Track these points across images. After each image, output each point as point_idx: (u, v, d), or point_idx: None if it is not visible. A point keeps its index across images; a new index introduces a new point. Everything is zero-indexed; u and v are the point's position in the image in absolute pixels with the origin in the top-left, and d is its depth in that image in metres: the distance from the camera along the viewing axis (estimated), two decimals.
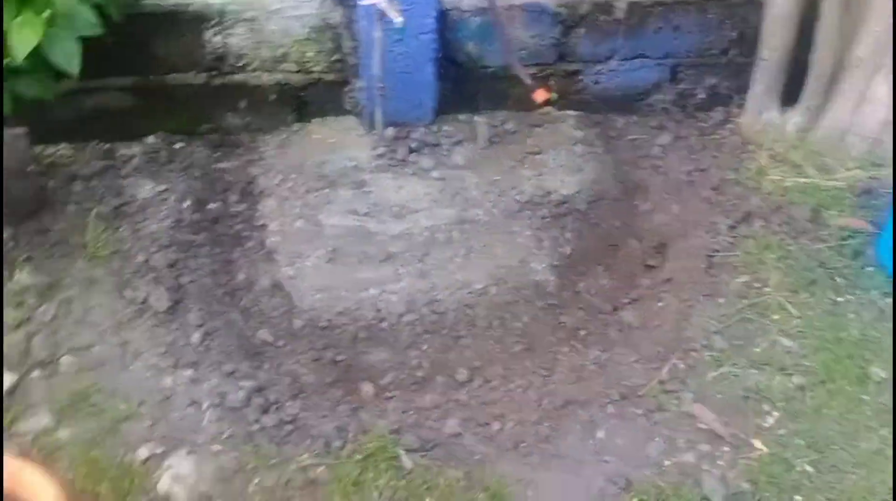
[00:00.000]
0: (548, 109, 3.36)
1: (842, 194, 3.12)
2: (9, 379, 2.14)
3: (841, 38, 3.15)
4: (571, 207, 2.99)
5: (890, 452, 2.25)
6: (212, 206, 2.86)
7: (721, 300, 2.69)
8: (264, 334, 2.48)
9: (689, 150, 3.32)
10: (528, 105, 3.26)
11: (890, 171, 3.14)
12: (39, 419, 2.06)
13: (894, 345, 2.53)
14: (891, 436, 2.29)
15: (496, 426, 2.24)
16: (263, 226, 2.81)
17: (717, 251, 2.87)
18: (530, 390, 2.38)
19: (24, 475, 1.33)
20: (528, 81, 3.09)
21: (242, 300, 2.58)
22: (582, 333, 2.63)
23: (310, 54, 3.02)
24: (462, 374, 2.43)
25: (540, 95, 3.11)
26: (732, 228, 2.96)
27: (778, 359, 2.49)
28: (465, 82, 3.19)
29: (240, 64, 2.98)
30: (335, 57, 3.04)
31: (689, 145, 3.34)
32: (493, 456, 2.16)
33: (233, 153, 3.06)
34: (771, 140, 3.33)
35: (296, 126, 3.12)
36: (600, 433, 2.26)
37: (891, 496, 2.16)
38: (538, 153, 3.12)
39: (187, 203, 2.79)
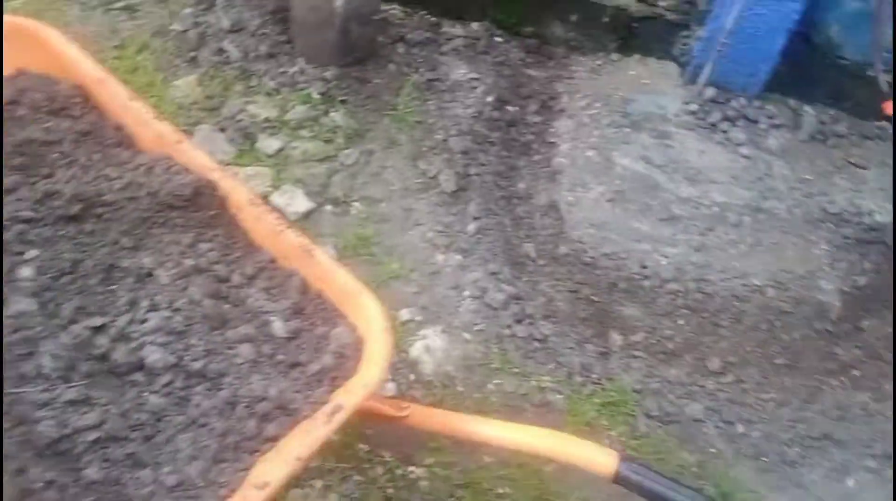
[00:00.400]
0: (888, 124, 2.99)
1: None
2: (305, 205, 2.25)
3: None
4: (880, 236, 2.66)
5: None
6: (510, 108, 2.83)
7: None
8: (529, 248, 2.45)
9: None
10: (868, 112, 2.90)
11: None
12: (326, 250, 2.15)
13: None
14: None
15: (740, 428, 2.09)
16: (554, 144, 2.74)
17: None
18: (786, 408, 2.18)
19: (362, 298, 1.35)
20: (885, 87, 2.73)
21: (517, 209, 2.55)
22: (855, 372, 2.36)
23: None
24: (714, 363, 2.28)
25: (889, 107, 2.75)
26: None
27: None
28: (809, 66, 2.89)
29: None
30: None
31: None
32: (730, 458, 2.02)
33: (544, 63, 2.99)
34: None
35: (615, 56, 2.99)
36: (850, 482, 2.04)
37: None
38: (862, 168, 2.79)
39: (490, 98, 2.77)
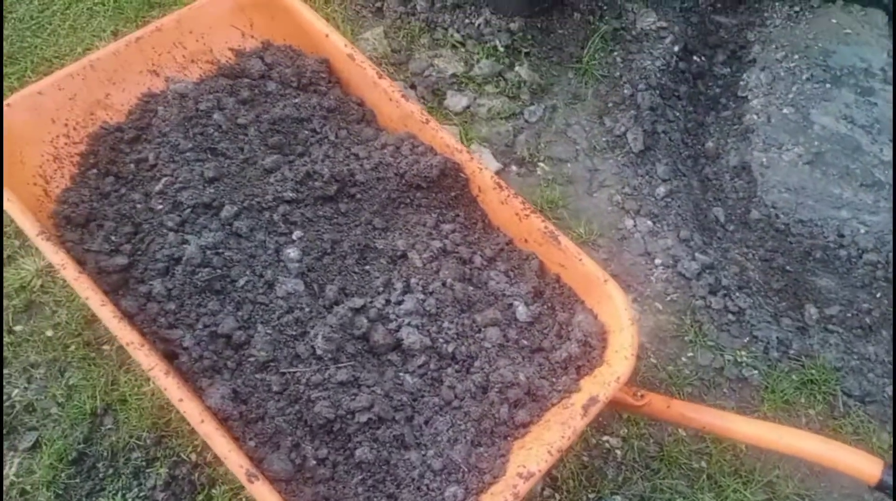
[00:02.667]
0: None
1: None
2: (494, 165, 2.26)
3: None
4: None
5: None
6: (697, 59, 2.69)
7: None
8: (719, 212, 2.37)
9: None
10: None
11: None
12: None
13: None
14: None
15: None
16: (745, 99, 2.60)
17: None
18: None
19: (607, 285, 1.35)
20: None
21: (705, 170, 2.47)
22: None
23: None
24: None
25: None
26: None
27: None
28: None
29: None
30: None
31: None
32: None
33: (735, 9, 2.80)
34: None
35: (815, 2, 2.76)
36: None
37: None
38: None
39: (678, 48, 2.63)
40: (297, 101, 1.56)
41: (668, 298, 2.09)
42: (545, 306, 1.42)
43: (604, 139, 2.38)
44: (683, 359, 1.99)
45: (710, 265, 2.15)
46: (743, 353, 2.00)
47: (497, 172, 2.26)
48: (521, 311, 1.39)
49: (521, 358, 1.35)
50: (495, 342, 1.35)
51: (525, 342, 1.37)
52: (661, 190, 2.30)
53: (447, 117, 2.34)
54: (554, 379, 1.32)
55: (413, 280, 1.38)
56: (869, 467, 1.28)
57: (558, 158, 2.32)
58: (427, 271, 1.41)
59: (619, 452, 1.81)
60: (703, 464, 1.81)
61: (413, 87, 2.38)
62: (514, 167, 2.29)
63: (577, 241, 2.16)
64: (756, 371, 1.98)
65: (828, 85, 2.56)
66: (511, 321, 1.39)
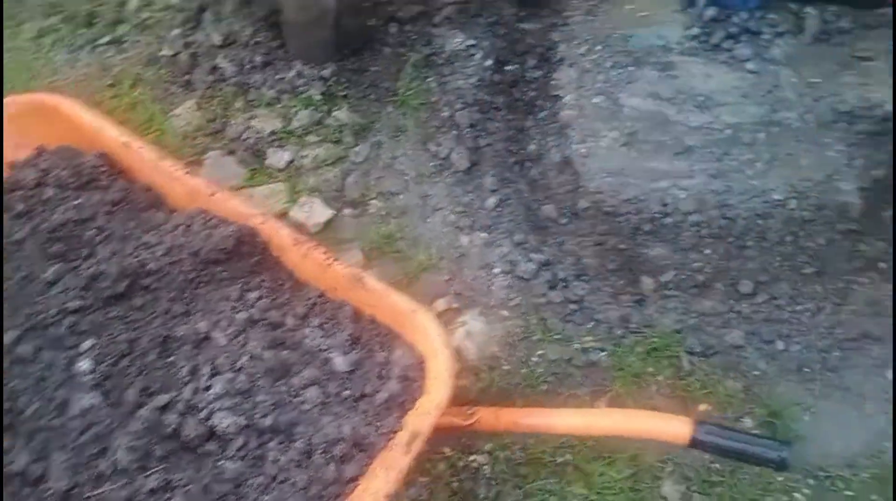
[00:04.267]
0: (889, 10, 2.89)
1: None
2: (325, 213, 2.30)
3: None
4: (892, 126, 2.63)
5: None
6: (510, 68, 2.80)
7: None
8: (550, 209, 2.47)
9: None
10: (869, 2, 2.82)
11: None
12: (353, 256, 2.21)
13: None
14: None
15: (780, 345, 2.13)
16: (558, 97, 2.72)
17: None
18: (820, 315, 2.22)
19: (417, 316, 1.39)
20: None
21: (532, 172, 2.57)
22: (882, 266, 2.38)
23: None
24: (746, 286, 2.31)
25: None
26: None
27: None
28: None
29: None
30: None
31: None
32: (774, 375, 2.08)
33: (538, 14, 2.93)
34: None
35: None
36: (891, 374, 2.09)
37: None
38: (869, 59, 2.72)
39: (489, 62, 2.74)
40: (77, 202, 1.55)
41: (512, 302, 2.17)
42: (364, 351, 1.45)
43: (430, 164, 2.45)
44: (535, 358, 2.07)
45: (546, 262, 2.25)
46: (589, 338, 2.10)
47: (329, 220, 2.31)
48: (339, 362, 1.42)
49: (345, 410, 1.36)
50: (316, 401, 1.36)
51: (347, 393, 1.39)
52: (491, 201, 2.39)
53: (271, 176, 2.37)
54: (379, 423, 1.34)
55: (220, 360, 1.38)
56: (679, 428, 1.34)
57: (389, 192, 2.39)
58: (234, 346, 1.42)
59: (487, 468, 1.86)
60: (569, 456, 1.88)
61: (231, 153, 2.41)
62: (347, 210, 2.34)
63: (420, 269, 2.23)
64: (603, 353, 2.08)
65: (631, 68, 2.70)
66: (330, 374, 1.41)
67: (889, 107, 2.62)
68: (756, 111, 2.60)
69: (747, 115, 2.59)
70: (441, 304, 2.15)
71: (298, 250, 1.53)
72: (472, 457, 1.87)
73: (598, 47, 2.74)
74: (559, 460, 1.86)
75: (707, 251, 2.41)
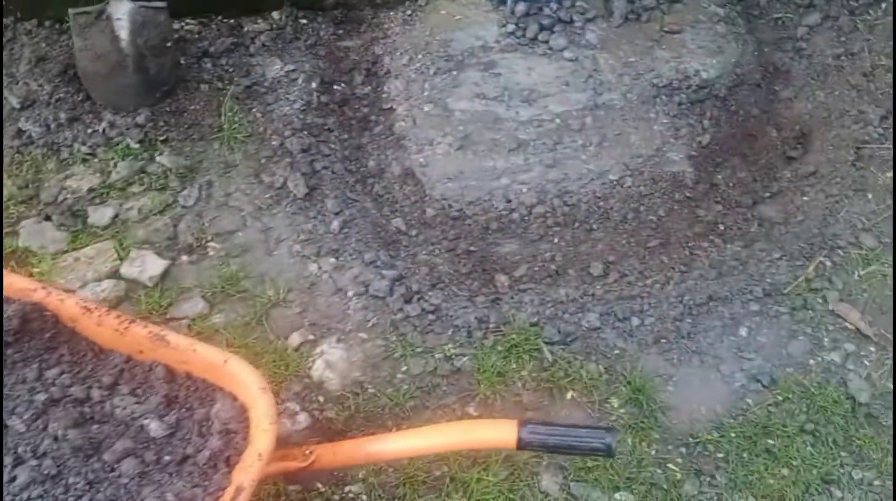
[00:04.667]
0: None
1: None
2: (159, 265, 2.14)
3: None
4: (711, 92, 2.73)
5: None
6: (338, 88, 2.73)
7: (870, 196, 2.46)
8: (398, 222, 2.41)
9: (838, 31, 2.95)
10: None
11: None
12: (194, 305, 2.06)
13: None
14: None
15: (635, 321, 2.15)
16: (391, 110, 2.68)
17: (867, 143, 2.60)
18: (669, 285, 2.26)
19: (229, 365, 1.31)
20: None
21: (375, 188, 2.50)
22: (721, 227, 2.46)
23: None
24: (597, 268, 2.33)
25: None
26: (884, 118, 2.66)
27: None
28: None
29: None
30: None
31: (838, 27, 2.96)
32: (633, 352, 2.09)
33: (357, 30, 2.88)
34: None
35: (421, 1, 2.90)
36: (743, 331, 2.15)
37: None
38: (677, 32, 2.83)
39: (314, 84, 2.66)
40: None
41: (370, 323, 2.09)
42: (183, 410, 1.34)
43: (267, 196, 2.34)
44: (399, 376, 2.00)
45: (399, 277, 2.18)
46: (450, 346, 2.05)
47: (165, 271, 2.15)
48: (155, 427, 1.30)
49: (168, 476, 1.25)
50: (134, 472, 1.24)
51: (168, 458, 1.28)
52: (336, 224, 2.30)
53: (95, 235, 2.18)
54: (207, 483, 1.25)
55: (21, 449, 1.24)
56: (505, 432, 1.32)
57: (227, 232, 2.25)
58: (34, 431, 1.27)
59: (364, 497, 1.77)
60: (445, 469, 1.82)
61: (48, 218, 2.21)
62: (184, 257, 2.19)
63: (269, 305, 2.10)
64: (465, 358, 2.03)
65: (454, 72, 2.69)
66: (147, 442, 1.29)
67: (705, 74, 2.74)
68: (580, 97, 2.65)
69: (573, 102, 2.64)
70: (296, 338, 2.04)
71: (91, 317, 1.40)
72: (347, 488, 1.77)
73: (420, 56, 2.72)
74: (436, 474, 1.79)
75: (556, 240, 2.42)
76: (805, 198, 2.49)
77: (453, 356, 2.03)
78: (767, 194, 2.56)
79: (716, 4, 2.95)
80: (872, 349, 2.14)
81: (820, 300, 2.22)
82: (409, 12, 2.88)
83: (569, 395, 2.00)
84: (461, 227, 2.42)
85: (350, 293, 2.13)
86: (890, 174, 2.52)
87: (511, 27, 2.79)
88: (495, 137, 2.54)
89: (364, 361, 2.01)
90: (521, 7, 2.80)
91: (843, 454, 1.95)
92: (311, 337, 2.04)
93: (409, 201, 2.47)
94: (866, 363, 2.12)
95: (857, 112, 2.70)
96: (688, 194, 2.53)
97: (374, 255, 2.24)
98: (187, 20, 2.76)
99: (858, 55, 2.88)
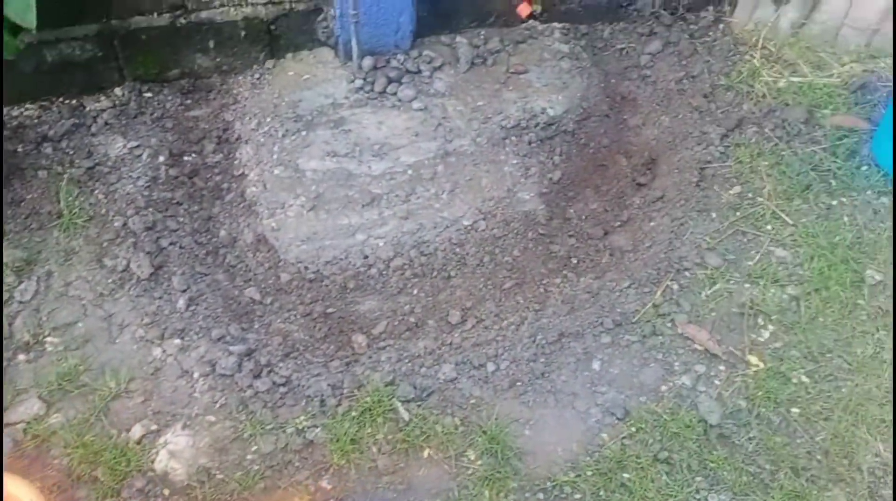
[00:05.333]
0: (532, 23, 3.06)
1: (837, 92, 2.85)
2: None
3: None
4: (559, 128, 2.75)
5: (887, 356, 2.14)
6: (188, 158, 2.64)
7: (714, 215, 2.50)
8: (252, 292, 2.33)
9: (679, 56, 3.03)
10: (511, 20, 2.97)
11: (886, 63, 2.88)
12: (29, 406, 1.93)
13: (894, 251, 2.37)
14: (889, 340, 2.17)
15: (491, 367, 2.11)
16: (242, 175, 2.60)
17: (709, 163, 2.65)
18: (523, 326, 2.24)
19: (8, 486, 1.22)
20: None
21: (227, 258, 2.41)
22: (573, 261, 2.46)
23: None
24: (454, 316, 2.29)
25: (523, 10, 2.81)
26: (724, 136, 2.72)
27: (772, 271, 2.32)
28: (441, 2, 2.88)
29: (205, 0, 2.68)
30: None
31: (678, 51, 3.04)
32: (490, 399, 2.05)
33: (205, 98, 2.81)
34: (764, 39, 3.03)
35: (269, 63, 2.85)
36: (595, 364, 2.13)
37: (889, 399, 2.06)
38: (523, 73, 2.85)
39: (162, 158, 2.57)
40: None
41: (217, 404, 1.99)
42: None
43: (109, 281, 2.22)
44: (250, 457, 1.90)
45: (247, 351, 2.09)
46: (301, 418, 1.96)
47: None
48: None
49: None
50: None
51: None
52: (182, 302, 2.20)
53: None
54: None
55: None
56: None
57: (66, 324, 2.13)
58: None
59: None
60: None
61: None
62: (20, 356, 2.06)
63: (109, 398, 1.98)
64: (318, 429, 1.95)
65: (304, 132, 2.63)
66: None
67: (552, 111, 2.75)
68: (431, 146, 2.63)
69: (424, 152, 2.61)
70: (138, 430, 1.92)
71: None
72: None
73: (268, 119, 2.66)
74: None
75: (415, 292, 2.38)
76: (652, 223, 2.51)
77: (305, 429, 1.95)
78: (618, 223, 2.57)
79: (560, 42, 2.99)
80: (722, 368, 2.15)
81: (669, 324, 2.22)
82: (257, 75, 2.82)
83: (425, 453, 1.94)
84: (318, 289, 2.35)
85: (196, 375, 2.03)
86: (732, 191, 2.57)
87: (359, 82, 2.76)
88: (349, 194, 2.50)
89: (211, 445, 1.91)
90: (367, 62, 2.78)
91: (697, 479, 1.93)
92: (155, 427, 1.93)
93: (262, 267, 2.39)
94: (716, 382, 2.12)
95: (699, 133, 2.75)
96: (541, 231, 2.52)
97: (223, 330, 2.15)
98: (27, 105, 2.65)
99: (699, 77, 2.95)
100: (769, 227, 2.45)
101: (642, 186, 2.70)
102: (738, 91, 2.87)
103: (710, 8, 3.18)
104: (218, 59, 2.81)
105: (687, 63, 3.01)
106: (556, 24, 3.04)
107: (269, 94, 2.76)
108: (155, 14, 2.69)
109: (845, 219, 2.47)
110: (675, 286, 2.30)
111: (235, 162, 2.65)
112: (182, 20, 2.68)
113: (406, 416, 1.99)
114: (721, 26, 3.14)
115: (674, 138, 2.79)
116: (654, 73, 3.01)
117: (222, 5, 2.67)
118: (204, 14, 2.69)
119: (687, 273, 2.34)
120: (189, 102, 2.78)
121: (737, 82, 2.89)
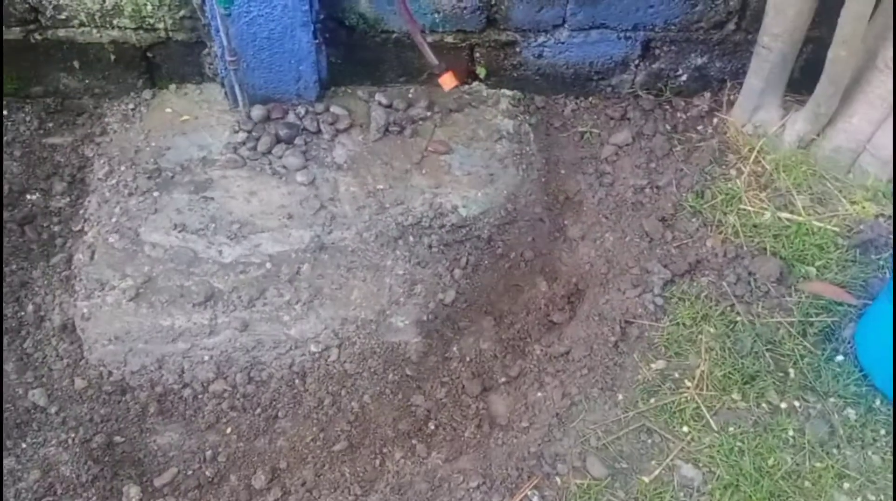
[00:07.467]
0: (478, 86, 2.34)
1: (833, 242, 2.09)
2: None
3: (872, 31, 1.97)
4: (471, 233, 2.07)
5: None
6: (31, 197, 2.09)
7: (620, 397, 1.84)
8: (37, 396, 1.80)
9: (648, 155, 2.28)
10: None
11: None
12: None
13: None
14: None
15: None
16: (81, 232, 2.04)
17: (638, 318, 1.97)
18: None
19: None
20: (434, 60, 2.07)
21: (25, 343, 1.88)
22: (431, 427, 1.85)
23: (149, 8, 2.05)
24: (260, 479, 1.74)
25: (447, 82, 2.09)
26: (668, 284, 2.03)
27: (668, 497, 1.69)
28: (361, 50, 2.19)
29: (61, 16, 2.05)
30: (182, 13, 2.06)
31: (650, 148, 2.30)
32: None
33: (72, 123, 2.22)
34: (760, 150, 2.26)
35: (147, 93, 2.22)
36: None
37: None
38: (444, 153, 2.16)
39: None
40: None
41: None
42: None
43: None
44: None
45: None
46: None
47: None
48: None
49: None
50: None
51: None
52: None
53: None
54: None
55: None
56: None
57: None
58: None
59: None
60: None
61: None
62: None
63: None
64: None
65: (156, 193, 2.03)
66: None
67: (464, 211, 2.08)
68: (304, 235, 2.00)
69: (293, 241, 1.99)
70: None
71: None
72: None
73: (123, 168, 2.07)
74: None
75: (228, 430, 1.82)
76: (540, 394, 1.87)
77: None
78: (504, 380, 1.94)
79: (505, 115, 2.27)
80: None
81: None
82: (132, 106, 2.21)
83: None
84: (115, 406, 1.82)
85: None
86: (655, 365, 1.90)
87: (242, 135, 2.13)
88: (184, 285, 1.91)
89: None
90: (258, 111, 2.14)
91: None
92: None
93: (61, 364, 1.86)
94: None
95: (639, 271, 2.06)
96: (408, 372, 1.92)
97: None
98: None
99: (664, 190, 2.22)
100: (685, 429, 1.79)
101: (553, 327, 2.04)
102: (706, 220, 2.14)
103: (707, 95, 2.40)
104: (87, 82, 2.20)
105: (656, 166, 2.27)
106: (506, 92, 2.32)
107: (136, 133, 2.15)
108: (3, 27, 2.08)
109: (790, 435, 1.79)
110: (536, 498, 1.69)
111: (81, 211, 2.08)
112: (37, 36, 2.06)
113: None
114: (715, 121, 2.37)
115: (609, 270, 2.10)
116: (615, 172, 2.29)
117: (82, 25, 2.04)
118: (62, 32, 2.07)
119: (557, 480, 1.72)
120: (50, 125, 2.21)
121: (707, 207, 2.16)
